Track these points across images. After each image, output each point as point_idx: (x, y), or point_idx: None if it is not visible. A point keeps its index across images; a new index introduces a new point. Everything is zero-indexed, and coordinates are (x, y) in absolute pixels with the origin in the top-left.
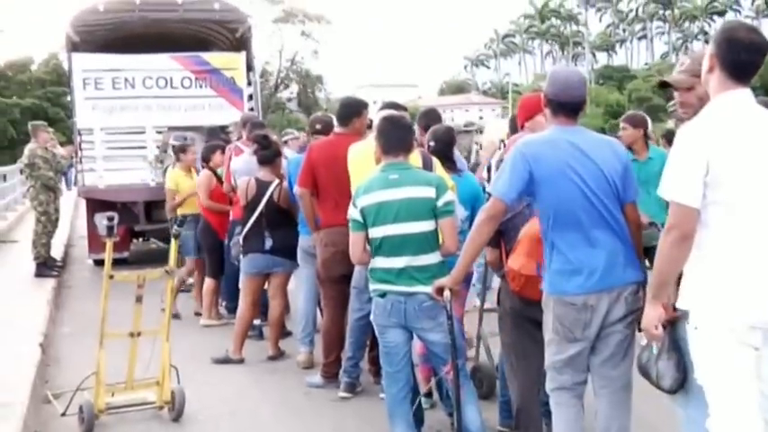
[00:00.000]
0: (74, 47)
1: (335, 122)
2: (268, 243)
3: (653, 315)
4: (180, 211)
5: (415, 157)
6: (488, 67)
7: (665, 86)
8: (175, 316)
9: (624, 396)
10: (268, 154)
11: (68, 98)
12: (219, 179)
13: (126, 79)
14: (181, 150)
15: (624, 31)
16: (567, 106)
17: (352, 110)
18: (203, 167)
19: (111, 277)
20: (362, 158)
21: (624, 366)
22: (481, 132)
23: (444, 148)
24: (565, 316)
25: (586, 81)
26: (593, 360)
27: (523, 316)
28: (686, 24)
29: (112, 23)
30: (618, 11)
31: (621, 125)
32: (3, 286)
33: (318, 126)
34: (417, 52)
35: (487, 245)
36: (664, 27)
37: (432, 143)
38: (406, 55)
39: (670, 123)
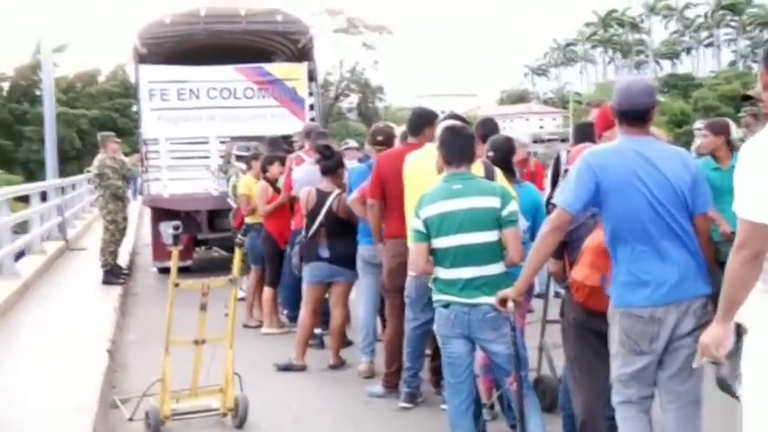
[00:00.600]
0: (141, 59)
1: (405, 132)
2: (328, 252)
3: (718, 335)
4: (247, 220)
5: (477, 167)
6: (548, 77)
7: (747, 99)
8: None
9: (693, 412)
10: (330, 164)
11: (135, 109)
12: (277, 189)
13: (191, 90)
14: (253, 158)
15: (690, 38)
16: (630, 114)
17: (423, 120)
18: (264, 179)
19: (177, 285)
20: (417, 169)
21: (693, 381)
22: (565, 141)
23: (504, 157)
24: (631, 328)
25: (653, 89)
26: (660, 374)
27: (587, 328)
28: (755, 31)
29: (178, 35)
30: (684, 18)
31: (702, 132)
32: (72, 293)
33: (380, 138)
34: (476, 62)
35: (552, 255)
36: (732, 34)
37: (491, 153)
38: (465, 64)
39: (739, 133)
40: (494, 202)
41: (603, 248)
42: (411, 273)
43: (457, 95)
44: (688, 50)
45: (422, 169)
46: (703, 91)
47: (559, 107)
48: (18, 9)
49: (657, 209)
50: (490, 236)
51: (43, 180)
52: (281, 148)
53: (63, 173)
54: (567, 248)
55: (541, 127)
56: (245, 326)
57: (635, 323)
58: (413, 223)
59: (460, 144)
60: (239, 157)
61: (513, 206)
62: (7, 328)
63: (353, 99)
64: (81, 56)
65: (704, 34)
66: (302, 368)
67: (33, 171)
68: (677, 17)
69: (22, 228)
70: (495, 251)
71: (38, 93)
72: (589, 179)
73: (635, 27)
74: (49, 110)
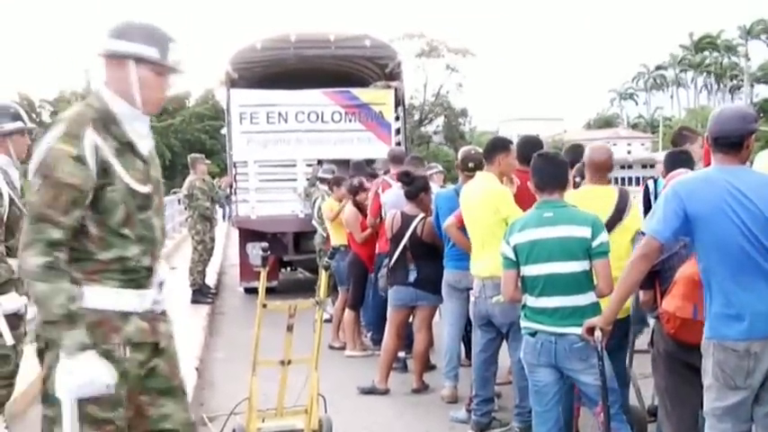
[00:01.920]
0: (232, 83)
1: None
2: (412, 276)
3: None
4: (336, 242)
5: (612, 193)
6: (636, 102)
7: None
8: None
9: None
10: (412, 189)
11: (223, 131)
12: (364, 213)
13: (279, 114)
14: (336, 183)
15: None
16: (720, 141)
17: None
18: (353, 203)
19: (265, 306)
20: (465, 200)
21: None
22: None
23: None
24: (726, 362)
25: (748, 115)
26: (757, 410)
27: (678, 359)
28: None
29: (269, 60)
30: None
31: None
32: None
33: (471, 164)
34: (563, 85)
35: (642, 285)
36: None
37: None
38: (552, 88)
39: None
40: (585, 232)
41: (696, 279)
42: (498, 299)
43: (543, 119)
44: None
45: (469, 199)
46: None
47: (648, 132)
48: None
49: (751, 240)
50: (580, 266)
51: None
52: (364, 172)
53: None
54: (658, 278)
55: (629, 152)
56: (331, 347)
57: (729, 357)
58: (502, 249)
59: (552, 171)
60: (323, 180)
61: (605, 236)
62: None
63: (438, 122)
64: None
65: None
66: (385, 391)
67: None
68: None
69: None
70: (584, 281)
71: None
72: (677, 206)
73: (730, 50)
74: None
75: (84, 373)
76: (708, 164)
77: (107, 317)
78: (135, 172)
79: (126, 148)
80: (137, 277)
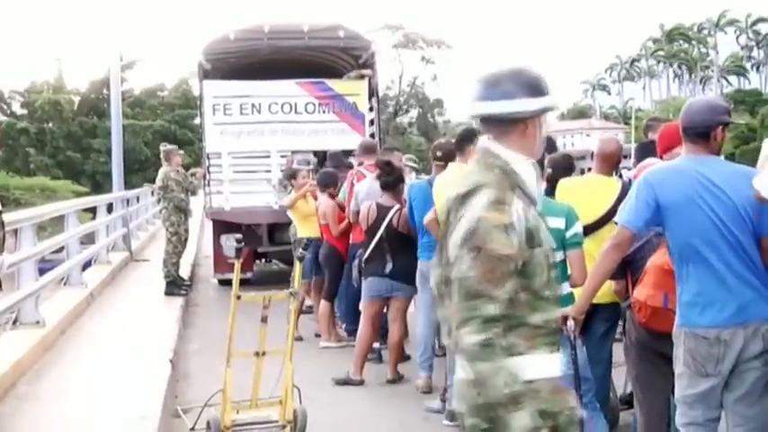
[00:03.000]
0: (205, 74)
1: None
2: (388, 267)
3: None
4: (306, 234)
5: (614, 184)
6: (609, 93)
7: None
8: (298, 338)
9: None
10: (390, 180)
11: (195, 120)
12: (341, 206)
13: (253, 105)
14: (291, 176)
15: (760, 53)
16: (688, 131)
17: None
18: (328, 195)
19: (239, 298)
20: (439, 192)
21: (761, 405)
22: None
23: (563, 174)
24: (696, 350)
25: (718, 106)
26: (727, 396)
27: (650, 348)
28: None
29: (242, 51)
30: (756, 32)
31: None
32: (135, 303)
33: (439, 153)
34: None
35: (614, 275)
36: None
37: (549, 170)
38: None
39: None
40: (558, 223)
41: (667, 268)
42: None
43: None
44: (757, 66)
45: (441, 191)
46: None
47: (621, 123)
48: (92, 25)
49: (721, 229)
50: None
51: (109, 191)
52: (340, 162)
53: (127, 184)
54: (629, 267)
55: None
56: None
57: (700, 344)
58: None
59: None
60: (299, 171)
61: (578, 227)
62: (74, 337)
63: (413, 114)
64: (148, 72)
65: None
66: (360, 382)
67: (100, 182)
68: (747, 32)
69: (88, 238)
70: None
71: (106, 107)
72: (648, 196)
73: (701, 42)
74: (116, 124)
75: None
76: (665, 149)
77: (554, 383)
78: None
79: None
80: (555, 340)
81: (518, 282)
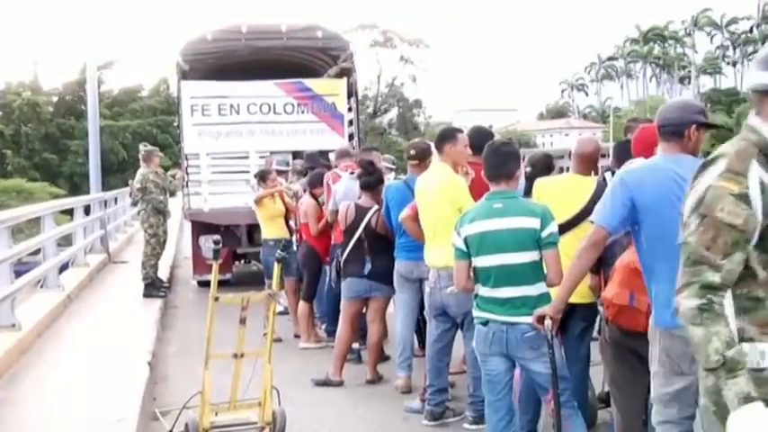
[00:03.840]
0: (183, 75)
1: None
2: (367, 267)
3: None
4: (271, 235)
5: (590, 184)
6: (587, 93)
7: None
8: (277, 339)
9: None
10: (371, 180)
11: (176, 124)
12: (320, 206)
13: (231, 105)
14: (261, 178)
15: (735, 52)
16: (662, 129)
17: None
18: (310, 195)
19: (217, 299)
20: (421, 190)
21: None
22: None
23: (542, 173)
24: (672, 348)
25: (690, 106)
26: None
27: (624, 346)
28: None
29: (220, 52)
30: (730, 32)
31: None
32: (113, 306)
33: (412, 152)
34: (516, 77)
35: (590, 269)
36: None
37: (528, 168)
38: (505, 79)
39: None
40: (534, 223)
41: (634, 267)
42: (452, 290)
43: (497, 110)
44: (734, 65)
45: (424, 189)
46: (747, 106)
47: (599, 122)
48: (68, 27)
49: None
50: (529, 256)
51: (87, 193)
52: (318, 163)
53: (105, 185)
54: (602, 266)
55: None
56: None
57: (675, 343)
58: (454, 240)
59: (496, 161)
60: (279, 172)
61: (554, 227)
62: (51, 340)
63: (393, 114)
64: (126, 72)
65: (750, 48)
66: (339, 383)
67: (78, 184)
68: (722, 32)
69: (66, 240)
70: (535, 272)
71: (83, 108)
72: (624, 195)
73: (678, 41)
74: (93, 125)
75: (752, 427)
76: (638, 154)
77: None
78: None
79: None
80: None
81: (754, 256)
